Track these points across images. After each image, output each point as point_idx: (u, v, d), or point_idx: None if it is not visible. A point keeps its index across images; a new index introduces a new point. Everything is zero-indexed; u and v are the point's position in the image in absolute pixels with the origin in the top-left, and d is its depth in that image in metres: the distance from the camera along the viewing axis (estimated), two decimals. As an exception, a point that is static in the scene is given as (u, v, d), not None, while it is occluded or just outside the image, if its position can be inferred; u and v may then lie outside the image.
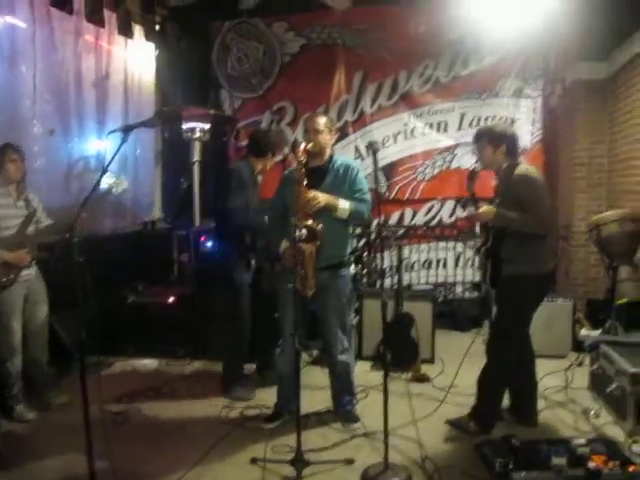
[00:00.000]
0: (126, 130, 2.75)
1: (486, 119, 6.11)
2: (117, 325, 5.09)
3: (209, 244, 5.07)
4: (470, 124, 6.14)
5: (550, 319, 4.86)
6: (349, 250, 3.78)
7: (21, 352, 3.85)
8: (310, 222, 3.33)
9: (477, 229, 3.62)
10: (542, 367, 4.49)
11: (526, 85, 6.05)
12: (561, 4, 5.27)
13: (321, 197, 3.39)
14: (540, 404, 3.87)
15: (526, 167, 3.41)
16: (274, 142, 4.31)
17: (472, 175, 3.56)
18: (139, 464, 3.20)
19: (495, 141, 3.42)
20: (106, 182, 3.64)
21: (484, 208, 3.39)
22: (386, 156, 6.28)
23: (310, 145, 3.44)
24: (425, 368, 4.60)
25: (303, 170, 3.37)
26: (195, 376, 4.72)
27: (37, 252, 3.88)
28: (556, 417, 3.71)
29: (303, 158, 3.39)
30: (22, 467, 3.22)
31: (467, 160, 6.07)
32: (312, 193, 3.36)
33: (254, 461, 3.19)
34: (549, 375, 4.31)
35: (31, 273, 3.89)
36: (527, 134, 6.09)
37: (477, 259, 5.47)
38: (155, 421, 3.85)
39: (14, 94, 4.56)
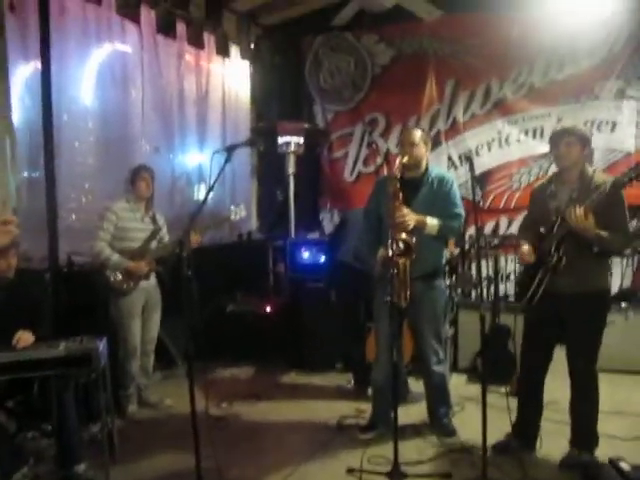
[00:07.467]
0: (230, 149, 2.90)
1: (585, 123, 5.84)
2: (216, 333, 5.25)
3: (306, 255, 5.19)
4: (568, 129, 5.90)
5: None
6: (444, 261, 3.76)
7: (139, 356, 4.14)
8: (404, 236, 3.33)
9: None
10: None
11: (628, 86, 5.73)
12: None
13: (411, 219, 3.38)
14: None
15: (612, 177, 3.12)
16: None
17: None
18: (241, 467, 3.34)
19: (584, 141, 3.20)
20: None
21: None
22: (480, 165, 6.16)
23: (405, 159, 3.44)
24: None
25: (398, 185, 3.38)
26: (292, 384, 4.84)
27: (156, 265, 4.17)
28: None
29: (398, 172, 3.41)
30: (133, 463, 3.42)
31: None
32: (405, 211, 3.37)
33: (350, 471, 3.23)
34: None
35: (150, 283, 4.19)
36: (630, 137, 5.75)
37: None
38: (255, 426, 3.99)
39: (125, 116, 4.94)
